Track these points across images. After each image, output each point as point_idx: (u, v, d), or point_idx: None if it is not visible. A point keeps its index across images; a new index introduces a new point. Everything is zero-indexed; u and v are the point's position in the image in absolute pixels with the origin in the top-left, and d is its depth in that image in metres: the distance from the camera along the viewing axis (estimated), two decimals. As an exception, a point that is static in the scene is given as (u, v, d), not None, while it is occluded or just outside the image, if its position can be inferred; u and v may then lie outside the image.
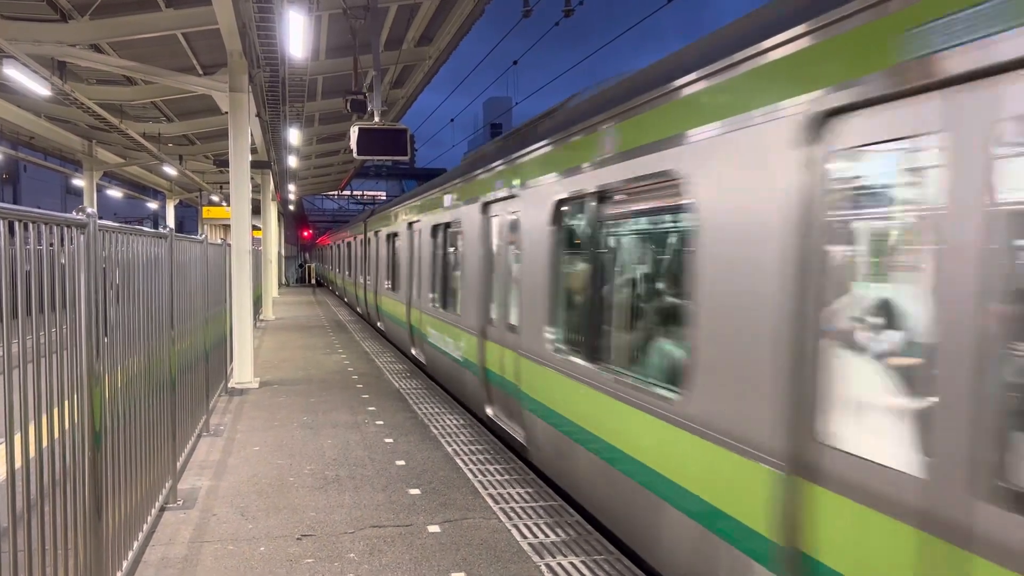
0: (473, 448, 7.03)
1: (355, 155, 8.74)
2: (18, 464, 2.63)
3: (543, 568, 4.42)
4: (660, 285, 4.25)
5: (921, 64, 2.30)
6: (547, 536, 4.90)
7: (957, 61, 2.18)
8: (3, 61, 10.12)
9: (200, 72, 12.61)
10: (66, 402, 3.07)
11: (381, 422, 8.02)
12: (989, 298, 2.14)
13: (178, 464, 5.75)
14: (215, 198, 32.03)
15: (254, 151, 18.18)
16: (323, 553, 4.61)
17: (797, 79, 2.82)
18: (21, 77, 10.33)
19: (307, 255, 59.42)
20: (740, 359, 3.14)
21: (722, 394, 3.25)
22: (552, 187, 5.41)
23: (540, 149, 5.73)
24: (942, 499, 2.24)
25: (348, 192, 63.57)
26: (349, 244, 21.60)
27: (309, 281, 48.33)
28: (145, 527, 4.62)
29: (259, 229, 23.68)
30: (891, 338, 2.55)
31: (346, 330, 17.80)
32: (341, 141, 22.07)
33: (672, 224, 4.01)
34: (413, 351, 11.78)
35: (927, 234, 2.34)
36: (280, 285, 36.68)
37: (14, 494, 2.58)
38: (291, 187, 29.46)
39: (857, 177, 2.66)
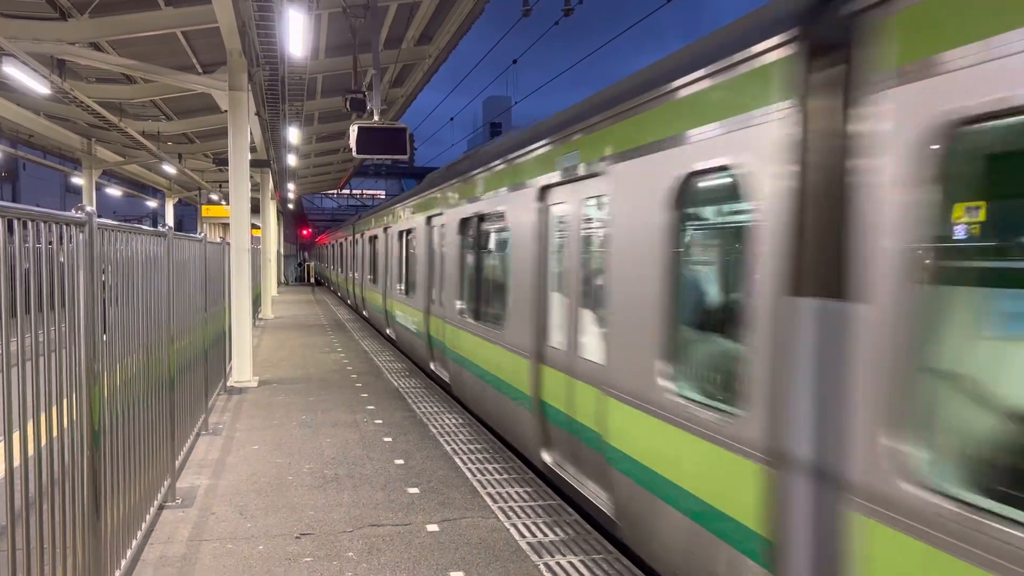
0: (472, 447, 7.01)
1: (354, 154, 8.72)
2: (17, 462, 2.63)
3: (541, 567, 4.42)
4: (501, 270, 7.06)
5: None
6: (545, 535, 4.90)
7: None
8: (3, 59, 10.11)
9: (200, 70, 12.60)
10: (65, 400, 3.08)
11: (380, 421, 8.01)
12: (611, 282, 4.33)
13: (177, 463, 5.74)
14: (214, 197, 31.96)
15: (253, 150, 18.17)
16: (322, 552, 4.61)
17: (532, 171, 5.85)
18: (20, 75, 10.32)
19: (306, 254, 59.36)
20: (518, 309, 6.09)
21: (518, 327, 6.15)
22: (460, 210, 8.28)
23: (448, 186, 8.89)
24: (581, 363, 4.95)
25: (347, 191, 63.51)
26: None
27: (308, 280, 48.36)
28: (144, 525, 4.62)
29: (258, 228, 23.64)
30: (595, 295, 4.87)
31: (345, 329, 17.78)
32: (340, 140, 22.05)
33: (503, 235, 6.40)
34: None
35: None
36: (279, 284, 36.69)
37: (13, 492, 2.58)
38: (290, 186, 29.42)
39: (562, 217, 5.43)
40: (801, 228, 2.82)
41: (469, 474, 6.19)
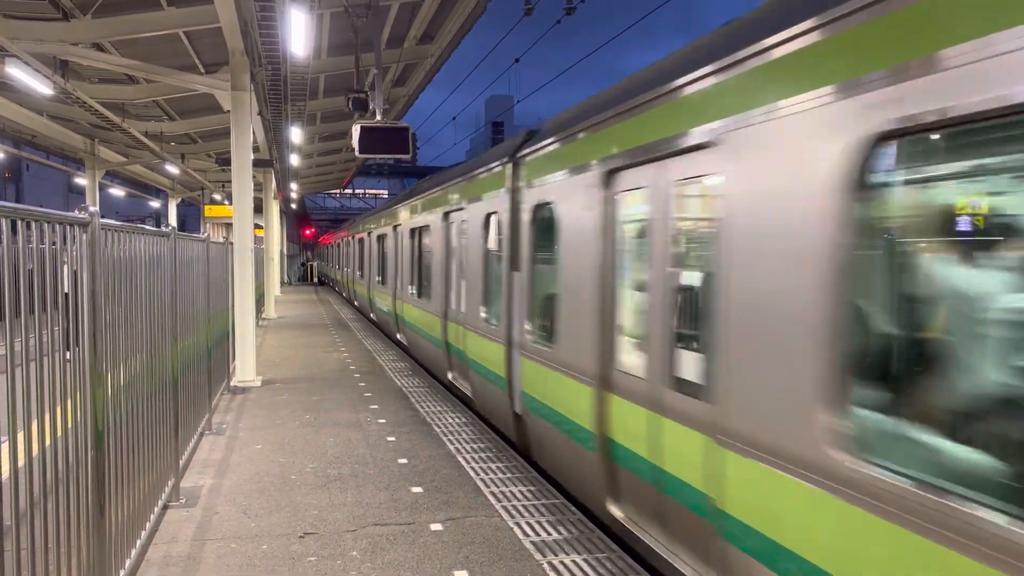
0: (475, 446, 7.00)
1: (357, 153, 8.71)
2: (21, 462, 2.63)
3: (545, 566, 4.42)
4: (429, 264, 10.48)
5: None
6: (549, 534, 4.90)
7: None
8: (5, 60, 10.13)
9: (202, 71, 12.61)
10: (68, 400, 3.08)
11: (383, 420, 8.02)
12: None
13: (180, 462, 5.75)
14: (217, 196, 31.98)
15: (256, 149, 18.13)
16: (325, 551, 4.61)
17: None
18: (23, 76, 10.33)
19: (309, 254, 59.33)
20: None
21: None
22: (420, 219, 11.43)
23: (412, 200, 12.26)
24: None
25: (350, 190, 63.57)
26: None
27: (311, 280, 48.46)
28: (148, 525, 4.63)
29: (261, 227, 23.61)
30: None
31: (348, 328, 17.80)
32: (343, 139, 22.03)
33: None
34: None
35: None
36: (282, 284, 36.69)
37: (17, 492, 2.58)
38: (293, 185, 29.40)
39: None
40: (513, 240, 6.76)
41: (472, 473, 6.19)
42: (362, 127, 8.61)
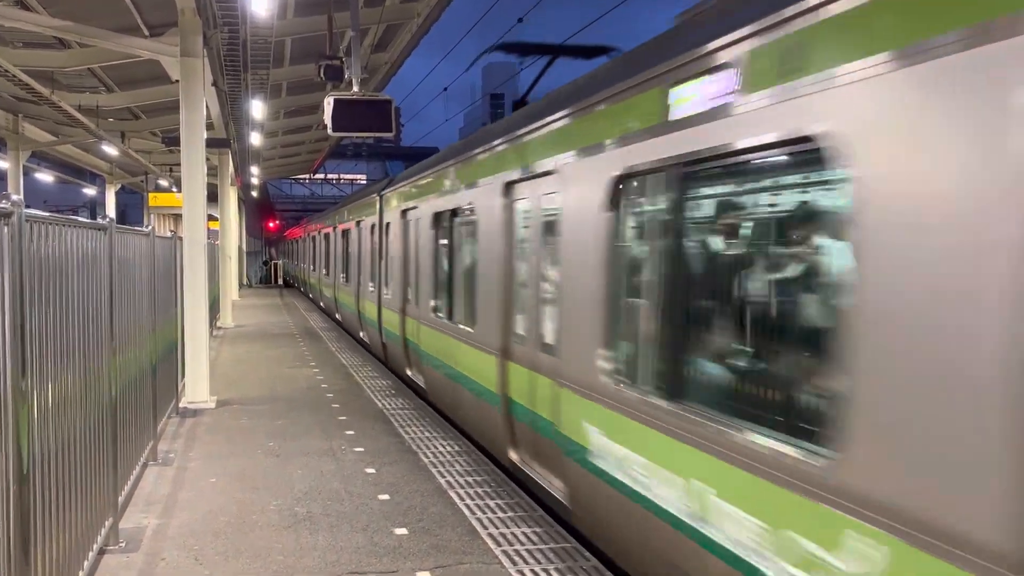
0: (471, 480, 7.06)
1: (330, 131, 8.66)
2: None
3: (554, 623, 4.47)
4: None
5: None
6: (558, 584, 4.91)
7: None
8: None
9: (146, 33, 12.59)
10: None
11: (361, 448, 8.08)
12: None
13: (120, 498, 5.74)
14: (164, 183, 32.06)
15: (210, 127, 18.04)
16: (292, 605, 4.64)
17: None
18: (-66, 40, 10.35)
19: (273, 250, 59.35)
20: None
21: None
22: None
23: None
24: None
25: (321, 176, 63.63)
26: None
27: (275, 281, 48.58)
28: (81, 574, 4.60)
29: (216, 219, 23.63)
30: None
31: (319, 339, 18.01)
32: (313, 115, 22.02)
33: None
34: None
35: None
36: (241, 286, 36.74)
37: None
38: (254, 170, 29.38)
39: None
40: (377, 252, 14.67)
41: (467, 511, 6.20)
42: (336, 100, 8.55)
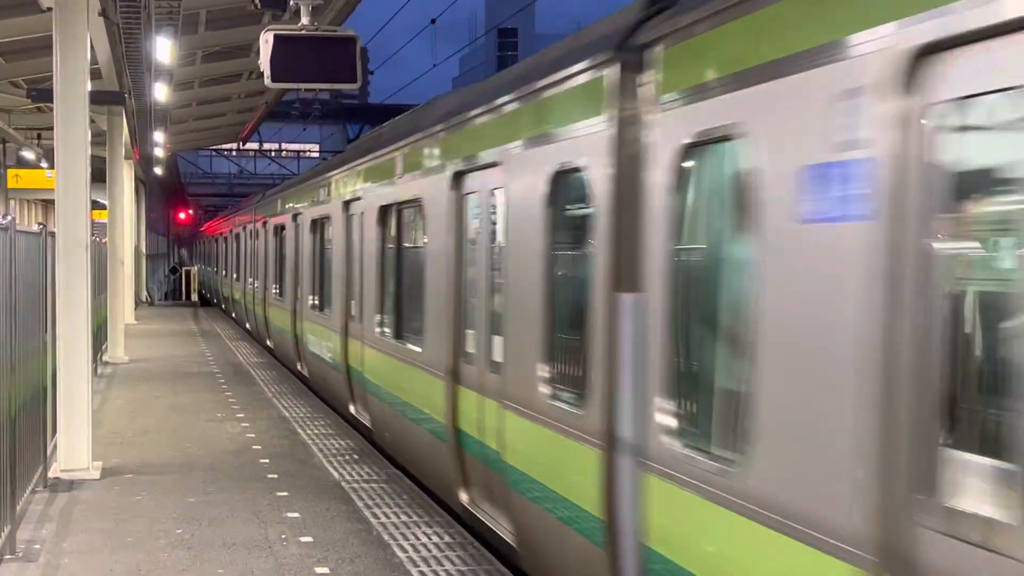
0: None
1: (268, 81, 8.75)
2: None
3: None
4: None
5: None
6: None
7: None
8: None
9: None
10: None
11: (309, 538, 8.05)
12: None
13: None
14: (29, 155, 31.96)
15: (96, 75, 17.98)
16: None
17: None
18: None
19: (185, 252, 59.33)
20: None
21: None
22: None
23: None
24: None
25: (255, 145, 63.04)
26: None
27: (187, 296, 48.54)
28: None
29: (104, 208, 23.58)
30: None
31: (249, 379, 18.06)
32: (245, 58, 22.20)
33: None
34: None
35: None
36: (139, 303, 37.07)
37: None
38: (159, 137, 29.46)
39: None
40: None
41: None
42: (277, 37, 8.51)
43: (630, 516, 5.38)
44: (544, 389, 6.59)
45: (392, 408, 10.77)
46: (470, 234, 8.35)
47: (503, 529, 7.47)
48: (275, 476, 10.23)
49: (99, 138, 21.75)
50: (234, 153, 62.30)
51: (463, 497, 8.53)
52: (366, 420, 12.27)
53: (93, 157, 11.33)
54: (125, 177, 23.55)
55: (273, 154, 66.84)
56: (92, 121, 11.83)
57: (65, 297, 10.17)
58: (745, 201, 4.56)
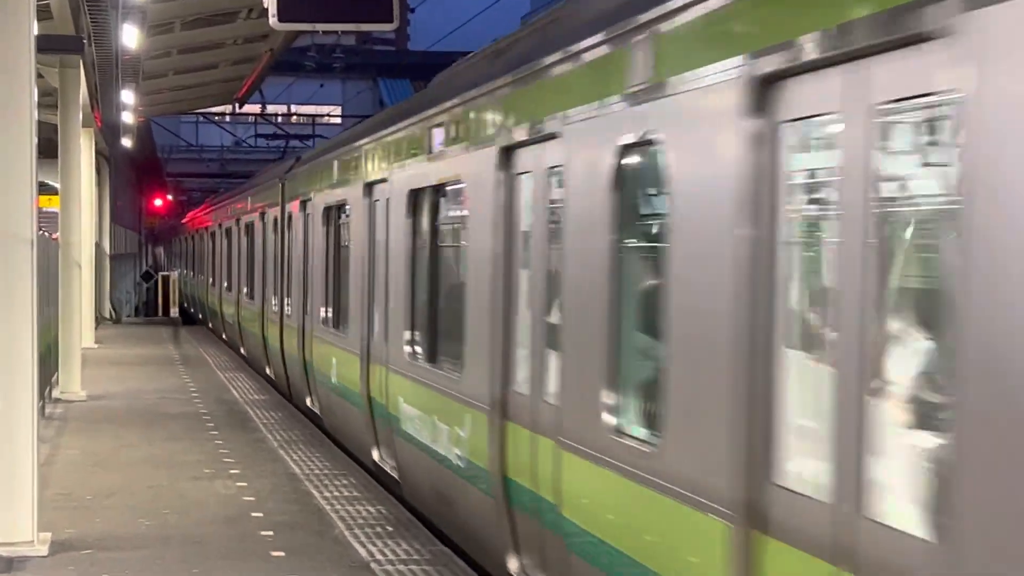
0: None
1: (274, 21, 9.01)
2: None
3: None
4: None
5: None
6: None
7: None
8: None
9: None
10: None
11: None
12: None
13: None
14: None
15: (46, 14, 17.96)
16: None
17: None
18: None
19: (161, 251, 60.09)
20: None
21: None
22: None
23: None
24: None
25: (255, 109, 60.59)
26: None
27: (165, 310, 49.09)
28: None
29: (55, 193, 23.93)
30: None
31: (248, 422, 18.98)
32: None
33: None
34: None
35: None
36: (100, 319, 37.06)
37: None
38: (128, 97, 30.25)
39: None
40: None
41: None
42: None
43: None
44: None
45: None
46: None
47: None
48: (281, 554, 10.57)
49: (49, 98, 21.51)
50: (227, 119, 61.75)
51: None
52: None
53: (41, 124, 11.28)
54: (83, 150, 23.44)
55: (279, 119, 61.52)
56: (40, 76, 11.81)
57: (3, 311, 10.32)
58: None
